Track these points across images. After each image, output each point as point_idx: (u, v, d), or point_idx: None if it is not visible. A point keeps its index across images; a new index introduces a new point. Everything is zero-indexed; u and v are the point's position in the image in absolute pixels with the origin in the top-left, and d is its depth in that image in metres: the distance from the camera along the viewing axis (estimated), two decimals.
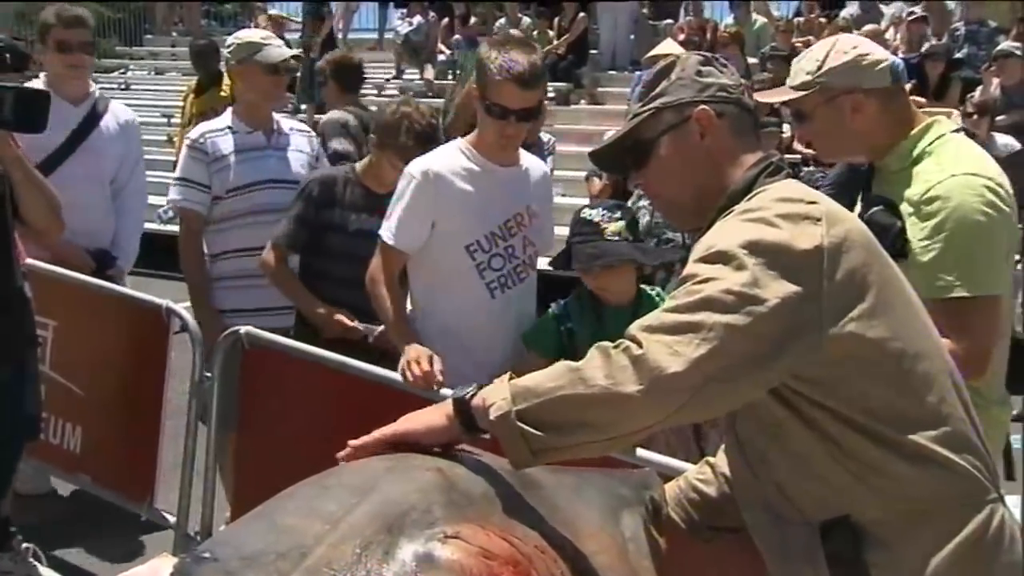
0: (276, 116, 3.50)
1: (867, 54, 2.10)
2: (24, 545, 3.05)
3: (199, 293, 3.29)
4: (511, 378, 1.37)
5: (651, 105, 1.57)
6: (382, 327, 2.78)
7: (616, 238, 2.53)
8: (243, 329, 2.90)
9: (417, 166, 2.60)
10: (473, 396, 1.39)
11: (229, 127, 3.33)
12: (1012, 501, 3.46)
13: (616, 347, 1.30)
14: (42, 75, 3.58)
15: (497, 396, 1.34)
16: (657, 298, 2.65)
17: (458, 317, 2.60)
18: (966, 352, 1.94)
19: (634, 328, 1.31)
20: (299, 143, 3.46)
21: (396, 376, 2.54)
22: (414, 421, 1.47)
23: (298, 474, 1.43)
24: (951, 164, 2.01)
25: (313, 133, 3.70)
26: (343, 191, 3.02)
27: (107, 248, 3.61)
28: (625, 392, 1.25)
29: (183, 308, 3.18)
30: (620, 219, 2.56)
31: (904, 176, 2.06)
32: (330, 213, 3.01)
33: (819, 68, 2.11)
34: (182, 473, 3.10)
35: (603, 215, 2.57)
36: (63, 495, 3.70)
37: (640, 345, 1.27)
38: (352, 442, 1.49)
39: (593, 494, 1.57)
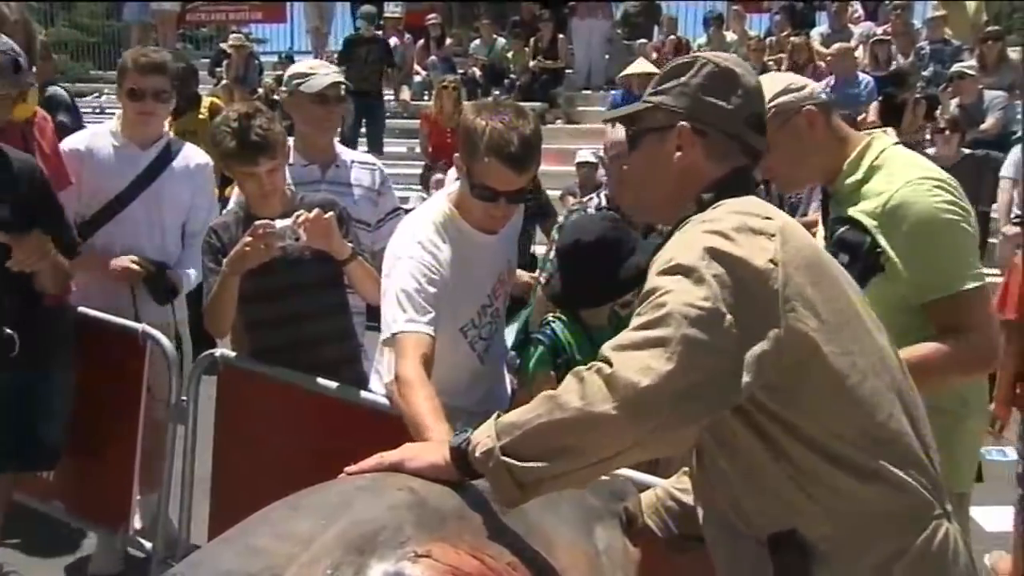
0: (339, 149, 3.42)
1: (794, 80, 2.22)
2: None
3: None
4: (499, 416, 1.37)
5: (652, 99, 1.57)
6: (294, 217, 2.53)
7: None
8: (218, 352, 2.91)
9: (419, 239, 2.28)
10: (466, 442, 1.40)
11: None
12: (1005, 511, 3.46)
13: (589, 369, 1.30)
14: (118, 113, 3.42)
15: (483, 435, 1.36)
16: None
17: (445, 383, 2.22)
18: (978, 343, 1.99)
19: (605, 348, 1.32)
20: (359, 177, 3.35)
21: (370, 396, 2.55)
22: (416, 456, 1.48)
23: (274, 494, 1.43)
24: (902, 173, 2.06)
25: (377, 166, 3.49)
26: (236, 233, 2.72)
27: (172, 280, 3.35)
28: (600, 411, 1.24)
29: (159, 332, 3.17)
30: None
31: (857, 195, 2.10)
32: None
33: (770, 100, 2.15)
34: (159, 497, 3.09)
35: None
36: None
37: (611, 364, 1.27)
38: (349, 468, 1.49)
39: (566, 508, 1.58)
